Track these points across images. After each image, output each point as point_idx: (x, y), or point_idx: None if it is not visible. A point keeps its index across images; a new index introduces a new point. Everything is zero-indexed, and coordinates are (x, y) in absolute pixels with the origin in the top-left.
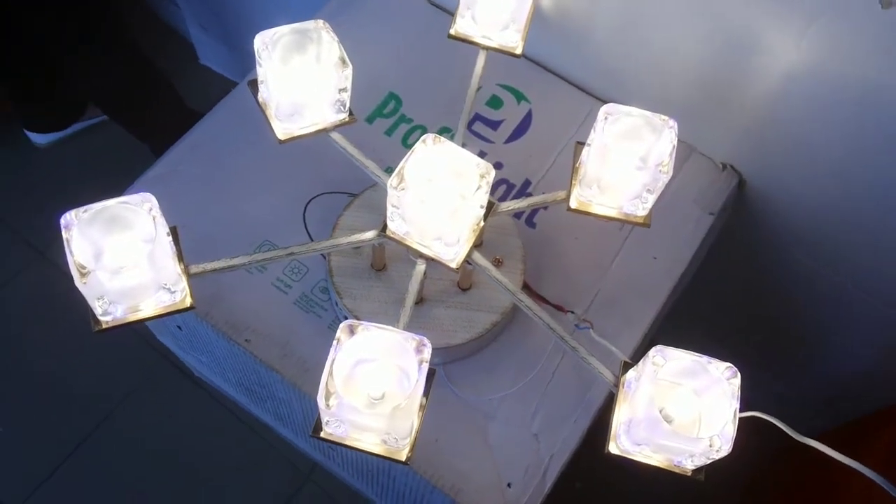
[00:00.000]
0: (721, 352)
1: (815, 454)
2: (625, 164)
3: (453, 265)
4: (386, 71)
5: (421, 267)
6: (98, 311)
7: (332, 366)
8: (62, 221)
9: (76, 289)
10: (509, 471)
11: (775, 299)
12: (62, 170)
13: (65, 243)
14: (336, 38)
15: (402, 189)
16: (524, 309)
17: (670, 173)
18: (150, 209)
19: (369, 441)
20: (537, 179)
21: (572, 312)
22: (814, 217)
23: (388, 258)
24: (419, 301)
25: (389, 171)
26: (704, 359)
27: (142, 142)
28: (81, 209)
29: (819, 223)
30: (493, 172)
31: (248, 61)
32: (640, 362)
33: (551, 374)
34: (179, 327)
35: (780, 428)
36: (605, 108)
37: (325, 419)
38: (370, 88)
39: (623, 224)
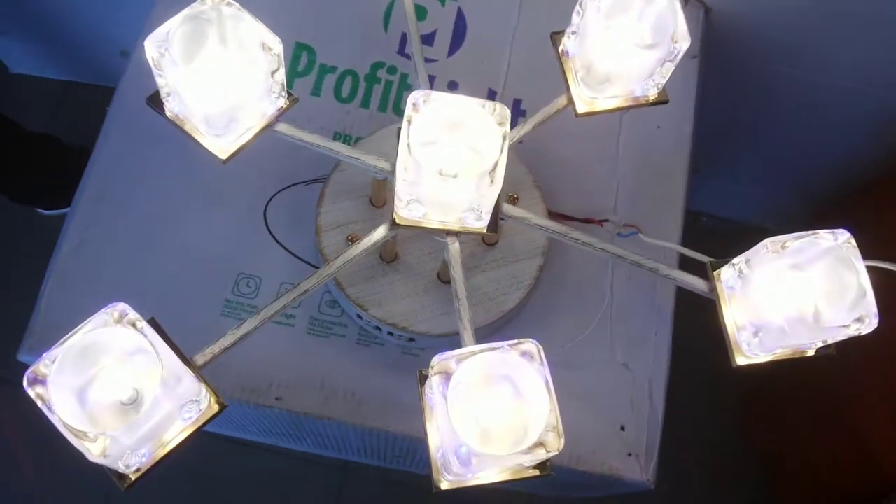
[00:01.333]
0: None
1: None
2: (628, 45)
3: (486, 229)
4: (281, 21)
5: (455, 245)
6: (122, 468)
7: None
8: (25, 382)
9: None
10: (615, 414)
11: (772, 119)
12: None
13: (58, 422)
14: (242, 8)
15: (416, 173)
16: (580, 246)
17: (688, 39)
18: (134, 322)
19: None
20: (501, 86)
21: (607, 221)
22: (786, 23)
23: (398, 244)
24: (449, 280)
25: (343, 139)
26: (811, 234)
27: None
28: (44, 360)
29: (791, 25)
30: (508, 113)
31: (72, 50)
32: (742, 261)
33: (608, 295)
34: None
35: None
36: None
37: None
38: None
39: None
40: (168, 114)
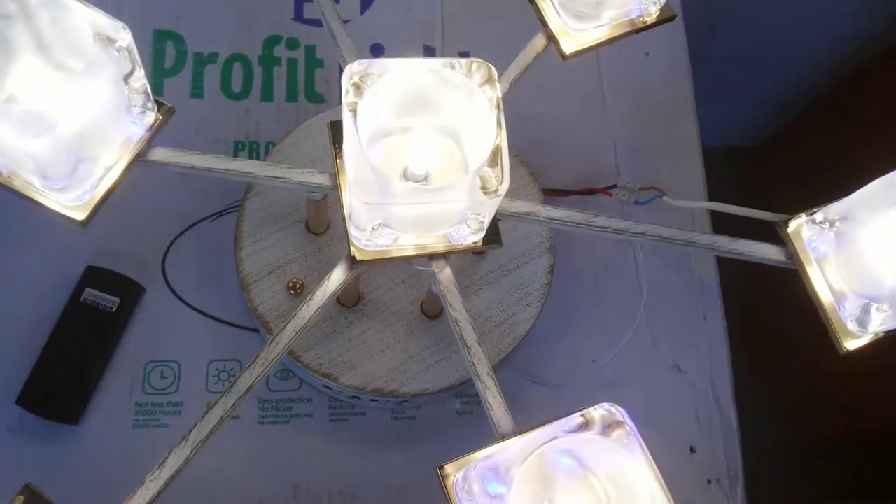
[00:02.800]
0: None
1: None
2: None
3: (481, 243)
4: (128, 7)
5: (446, 271)
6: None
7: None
8: None
9: None
10: (679, 432)
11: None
12: None
13: None
14: None
15: (383, 189)
16: (609, 234)
17: None
18: None
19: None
20: (439, 40)
21: (614, 187)
22: None
23: (359, 282)
24: (438, 314)
25: (248, 149)
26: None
27: None
28: None
29: None
30: (494, 70)
31: None
32: (838, 214)
33: (637, 282)
34: None
35: None
36: None
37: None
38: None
39: None
40: None
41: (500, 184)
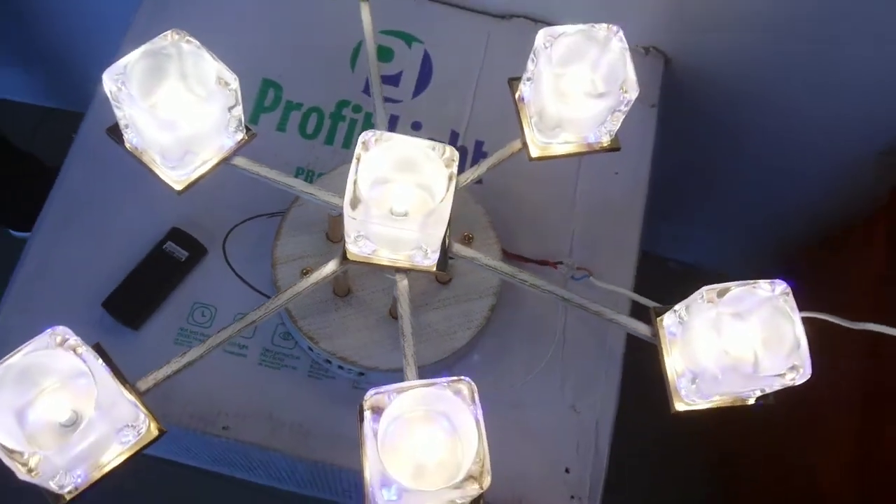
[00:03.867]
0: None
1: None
2: (579, 93)
3: (434, 267)
4: (249, 58)
5: (404, 282)
6: (55, 488)
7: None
8: None
9: None
10: (560, 454)
11: (734, 166)
12: None
13: None
14: (201, 45)
15: (364, 212)
16: (520, 283)
17: (637, 89)
18: (65, 342)
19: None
20: (463, 128)
21: (561, 263)
22: (744, 74)
23: (350, 278)
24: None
25: (305, 174)
26: (750, 283)
27: None
28: None
29: (750, 79)
30: (457, 155)
31: (53, 76)
32: (682, 308)
33: (561, 337)
34: None
35: None
36: (542, 35)
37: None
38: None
39: None
40: (127, 145)
41: (438, 223)
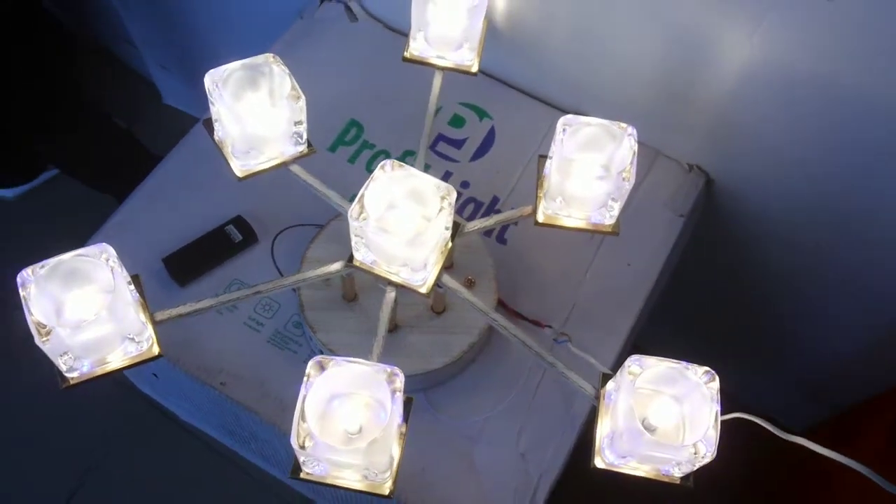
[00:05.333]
0: (704, 351)
1: (807, 450)
2: (587, 175)
3: (423, 290)
4: (346, 98)
5: (391, 294)
6: (63, 367)
7: (303, 404)
8: (18, 279)
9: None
10: (498, 494)
11: (752, 296)
12: (30, 223)
13: (23, 301)
14: (287, 71)
15: (364, 219)
16: (499, 328)
17: (632, 180)
18: (108, 259)
19: (350, 477)
20: (505, 196)
21: (550, 327)
22: (784, 210)
23: (358, 288)
24: (394, 328)
25: (354, 199)
26: (682, 364)
27: (104, 194)
28: (38, 265)
29: (789, 216)
30: (454, 194)
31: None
32: (618, 373)
33: (534, 390)
34: (155, 375)
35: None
36: (563, 120)
37: (301, 459)
38: (331, 117)
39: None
40: (215, 136)
41: (422, 245)
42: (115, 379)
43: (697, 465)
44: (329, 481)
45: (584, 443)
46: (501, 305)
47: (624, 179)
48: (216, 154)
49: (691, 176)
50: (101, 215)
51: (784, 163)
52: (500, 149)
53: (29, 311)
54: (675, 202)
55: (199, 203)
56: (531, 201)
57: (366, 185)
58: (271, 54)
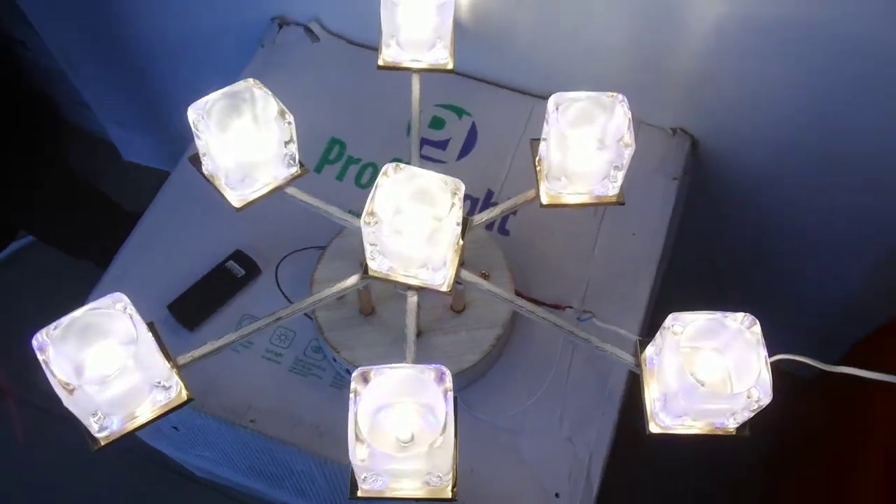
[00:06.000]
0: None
1: (841, 390)
2: (585, 148)
3: (444, 288)
4: (322, 118)
5: (413, 299)
6: (94, 427)
7: (355, 418)
8: (34, 344)
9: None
10: (553, 481)
11: (755, 248)
12: (6, 292)
13: (43, 366)
14: (269, 92)
15: (376, 224)
16: (525, 313)
17: (633, 145)
18: (125, 308)
19: (410, 486)
20: (498, 187)
21: (570, 307)
22: (770, 156)
23: (374, 300)
24: (418, 334)
25: (352, 213)
26: (719, 314)
27: (80, 259)
28: (51, 326)
29: (778, 159)
30: (462, 187)
31: (175, 147)
32: (658, 335)
33: (566, 373)
34: (176, 428)
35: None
36: (553, 99)
37: (360, 476)
38: (310, 139)
39: (595, 209)
40: (204, 171)
41: (439, 242)
42: (122, 445)
43: (753, 412)
44: (388, 494)
45: (627, 415)
46: (518, 295)
47: (624, 146)
48: (203, 195)
49: (676, 139)
50: (85, 281)
51: (762, 109)
52: (485, 143)
53: (51, 373)
54: (665, 166)
55: (193, 245)
56: (526, 188)
57: (373, 190)
58: (251, 79)
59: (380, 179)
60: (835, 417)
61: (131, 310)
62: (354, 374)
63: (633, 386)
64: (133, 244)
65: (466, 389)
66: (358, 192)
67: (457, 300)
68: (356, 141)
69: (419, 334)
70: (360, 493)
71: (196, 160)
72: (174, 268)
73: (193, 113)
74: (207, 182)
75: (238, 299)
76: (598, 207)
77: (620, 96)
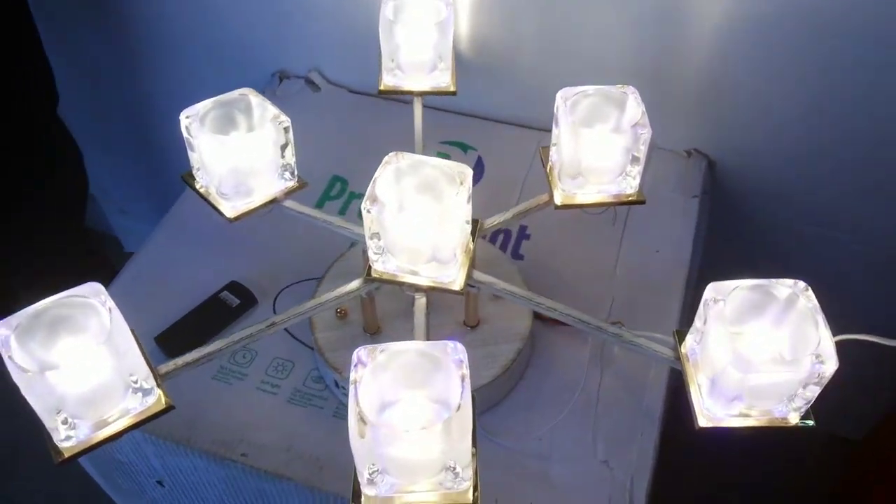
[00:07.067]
0: None
1: None
2: (599, 135)
3: (456, 287)
4: (323, 159)
5: (422, 300)
6: (59, 433)
7: (357, 401)
8: None
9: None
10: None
11: (780, 264)
12: None
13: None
14: (266, 99)
15: (379, 209)
16: (548, 312)
17: (649, 128)
18: (104, 301)
19: (424, 489)
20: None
21: None
22: (786, 172)
23: (380, 319)
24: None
25: (356, 244)
26: (765, 281)
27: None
28: (12, 317)
29: (792, 179)
30: (470, 173)
31: None
32: (698, 313)
33: (596, 392)
34: (161, 482)
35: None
36: (561, 94)
37: (365, 475)
38: (312, 177)
39: (615, 221)
40: (198, 186)
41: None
42: None
43: (818, 384)
44: (398, 502)
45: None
46: (538, 318)
47: (640, 129)
48: (198, 229)
49: (692, 160)
50: None
51: (777, 127)
52: (492, 175)
53: (12, 361)
54: (684, 186)
55: (188, 278)
56: (537, 216)
57: (374, 178)
58: (247, 88)
59: (381, 167)
60: None
61: (111, 303)
62: (357, 350)
63: (675, 402)
64: (126, 277)
65: (486, 414)
66: (360, 224)
67: (471, 314)
68: (358, 177)
69: None
70: (363, 500)
71: (190, 177)
72: (165, 302)
73: (186, 119)
74: (201, 198)
75: (232, 330)
76: (615, 223)
77: (630, 88)
